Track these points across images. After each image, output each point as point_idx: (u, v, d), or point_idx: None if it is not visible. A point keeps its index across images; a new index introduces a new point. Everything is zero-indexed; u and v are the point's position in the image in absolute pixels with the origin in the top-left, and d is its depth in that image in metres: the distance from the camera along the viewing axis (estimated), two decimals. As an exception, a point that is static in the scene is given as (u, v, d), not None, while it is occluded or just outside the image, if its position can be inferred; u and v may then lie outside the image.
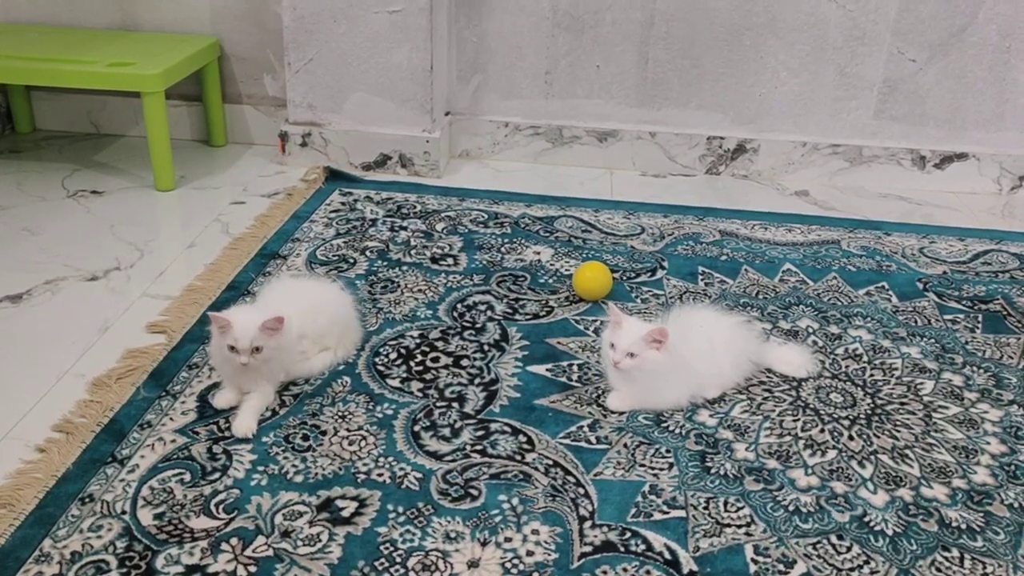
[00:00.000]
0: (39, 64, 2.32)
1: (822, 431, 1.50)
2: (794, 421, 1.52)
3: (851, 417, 1.54)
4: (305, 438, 1.44)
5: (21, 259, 2.00)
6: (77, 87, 2.43)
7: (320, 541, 1.24)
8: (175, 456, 1.39)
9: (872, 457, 1.44)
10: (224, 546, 1.22)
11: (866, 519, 1.31)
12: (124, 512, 1.27)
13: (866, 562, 1.24)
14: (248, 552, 1.21)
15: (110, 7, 2.64)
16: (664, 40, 2.54)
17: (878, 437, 1.49)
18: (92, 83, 2.32)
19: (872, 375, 1.66)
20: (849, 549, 1.26)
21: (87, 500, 1.29)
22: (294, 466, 1.38)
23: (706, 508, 1.32)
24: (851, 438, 1.48)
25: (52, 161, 2.56)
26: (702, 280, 2.00)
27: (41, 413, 1.49)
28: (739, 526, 1.29)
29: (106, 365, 1.61)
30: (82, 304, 1.83)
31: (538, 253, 2.09)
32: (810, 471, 1.41)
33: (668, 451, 1.44)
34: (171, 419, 1.48)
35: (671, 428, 1.50)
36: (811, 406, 1.56)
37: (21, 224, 2.17)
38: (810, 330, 1.81)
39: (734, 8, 2.48)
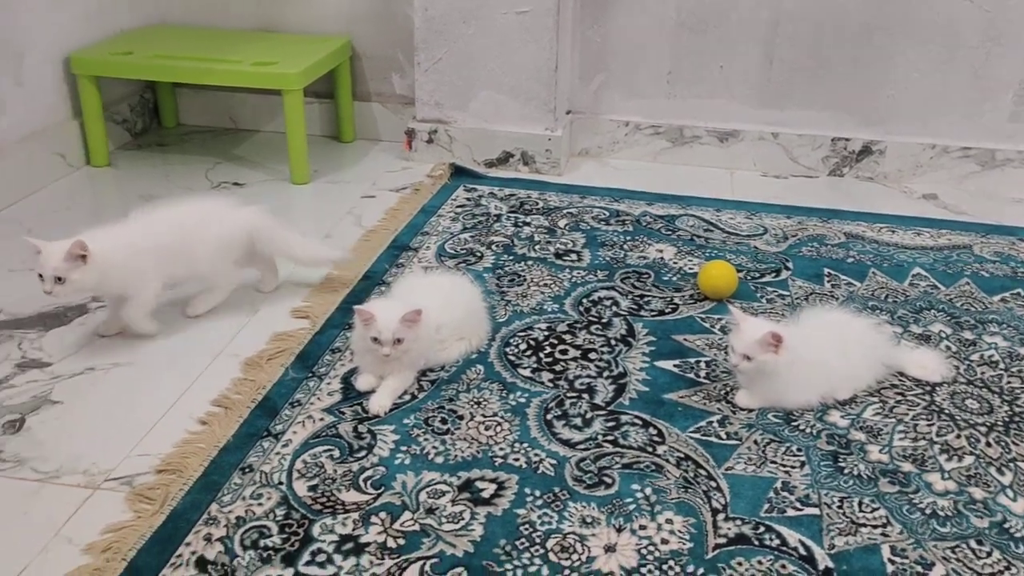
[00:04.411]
0: (191, 63, 2.46)
1: (958, 437, 1.48)
2: (928, 425, 1.51)
3: (988, 424, 1.51)
4: (444, 421, 1.51)
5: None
6: (224, 85, 2.57)
7: (463, 519, 1.30)
8: (324, 433, 1.48)
9: (1011, 464, 1.42)
10: (374, 519, 1.30)
11: (1006, 525, 1.30)
12: (281, 483, 1.36)
13: (1007, 567, 1.23)
14: (396, 526, 1.29)
15: (254, 9, 2.78)
16: (790, 40, 2.52)
17: (1017, 445, 1.46)
18: (238, 81, 2.46)
19: (1009, 383, 1.63)
20: (989, 554, 1.25)
21: (247, 470, 1.39)
22: (434, 447, 1.45)
23: (840, 507, 1.33)
24: (989, 445, 1.46)
25: (195, 154, 2.71)
26: (828, 282, 1.99)
27: (200, 389, 1.60)
28: (875, 526, 1.30)
29: (256, 347, 1.72)
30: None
31: (660, 251, 2.12)
32: (947, 476, 1.40)
33: (799, 449, 1.45)
34: (318, 399, 1.57)
35: (801, 427, 1.50)
36: (946, 411, 1.54)
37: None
38: (943, 335, 1.78)
39: (864, 8, 2.44)
